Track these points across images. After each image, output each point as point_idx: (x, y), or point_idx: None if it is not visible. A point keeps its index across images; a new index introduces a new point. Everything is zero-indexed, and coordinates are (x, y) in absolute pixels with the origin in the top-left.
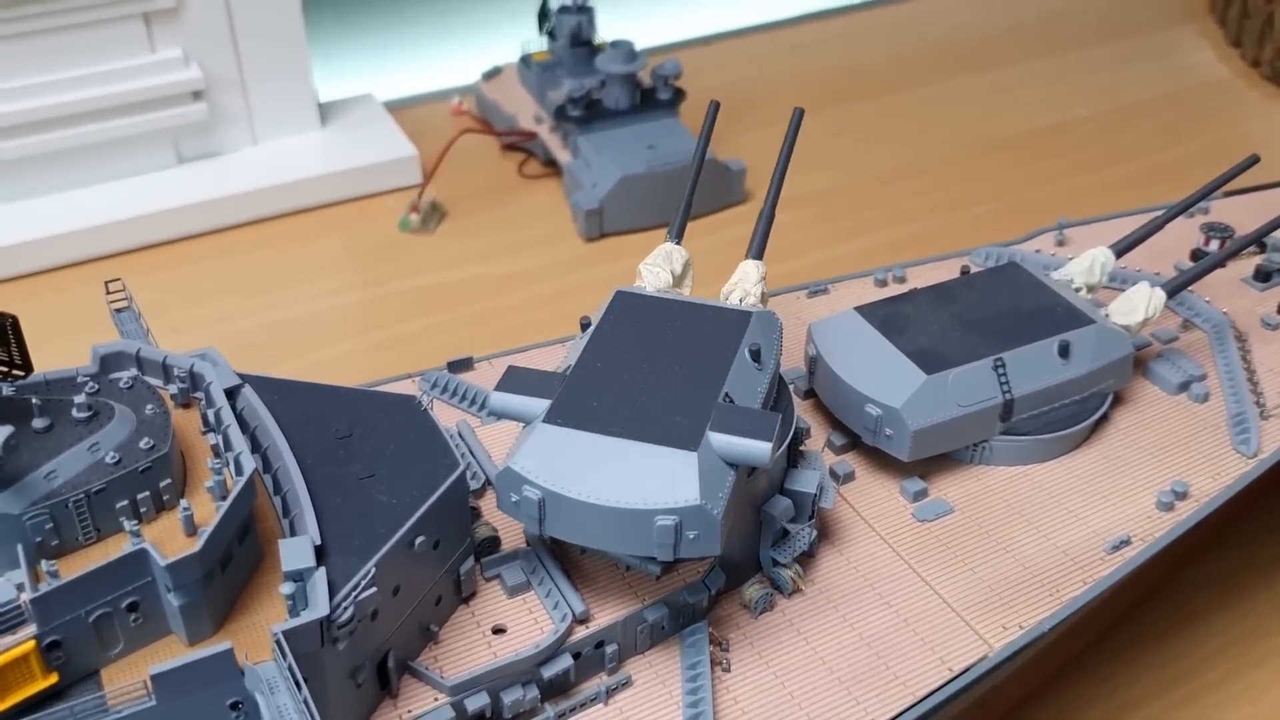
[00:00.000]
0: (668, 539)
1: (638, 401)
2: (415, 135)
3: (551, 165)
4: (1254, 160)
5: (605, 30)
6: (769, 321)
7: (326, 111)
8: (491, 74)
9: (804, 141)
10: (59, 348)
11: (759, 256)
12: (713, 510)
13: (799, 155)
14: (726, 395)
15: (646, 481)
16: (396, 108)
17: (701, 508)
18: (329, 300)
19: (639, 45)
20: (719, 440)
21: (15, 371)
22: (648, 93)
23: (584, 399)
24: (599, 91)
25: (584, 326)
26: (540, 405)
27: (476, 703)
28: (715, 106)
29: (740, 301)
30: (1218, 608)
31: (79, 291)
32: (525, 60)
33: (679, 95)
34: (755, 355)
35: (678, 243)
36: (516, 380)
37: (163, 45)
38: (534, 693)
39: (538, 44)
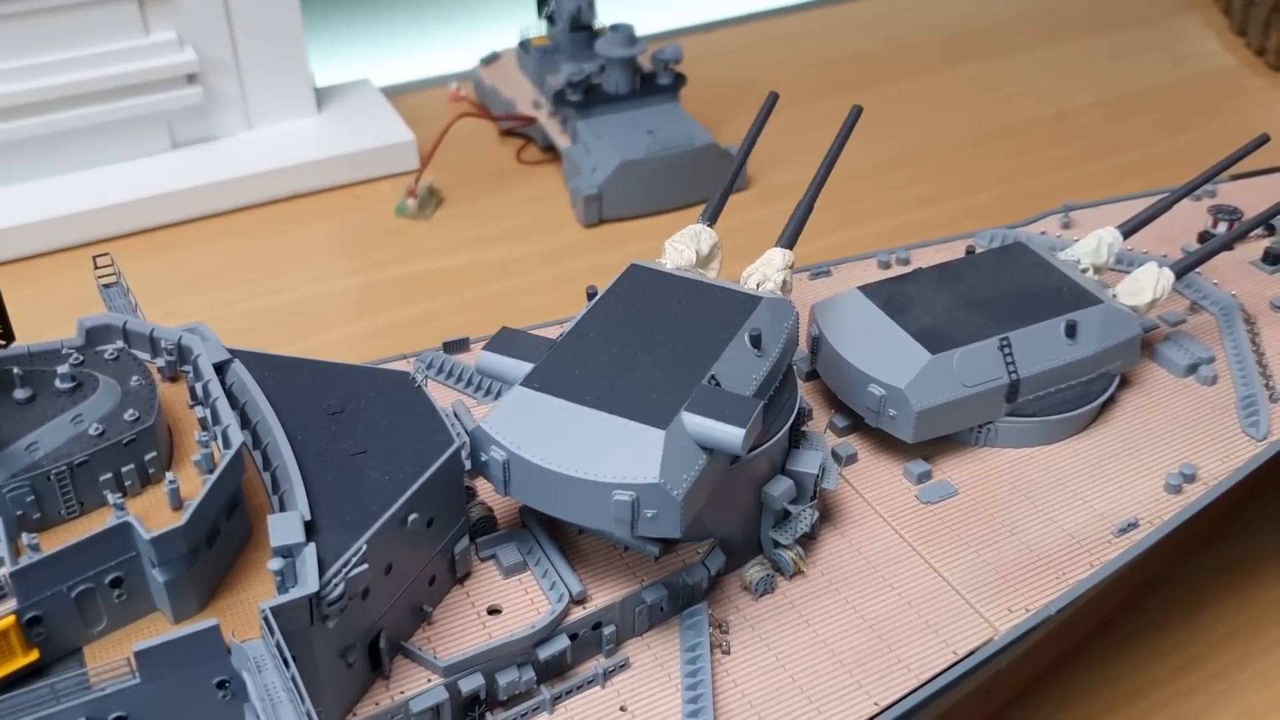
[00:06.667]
0: (625, 515)
1: (621, 375)
2: (413, 121)
3: (550, 151)
4: (1264, 140)
5: (605, 15)
6: (781, 309)
7: (323, 96)
8: (490, 59)
9: (805, 129)
10: (51, 333)
11: (789, 246)
12: (672, 490)
13: (799, 143)
14: (713, 378)
15: (610, 455)
16: (394, 93)
17: (660, 486)
18: (325, 285)
19: (639, 33)
20: (692, 422)
21: None
22: (648, 77)
23: (568, 367)
24: (598, 76)
25: (590, 297)
26: (525, 368)
27: (471, 684)
28: (773, 99)
29: (758, 286)
30: (1224, 595)
31: (71, 276)
32: (524, 45)
33: (679, 80)
34: (755, 341)
35: (710, 225)
36: (507, 341)
37: (157, 28)
38: (530, 674)
39: (536, 29)
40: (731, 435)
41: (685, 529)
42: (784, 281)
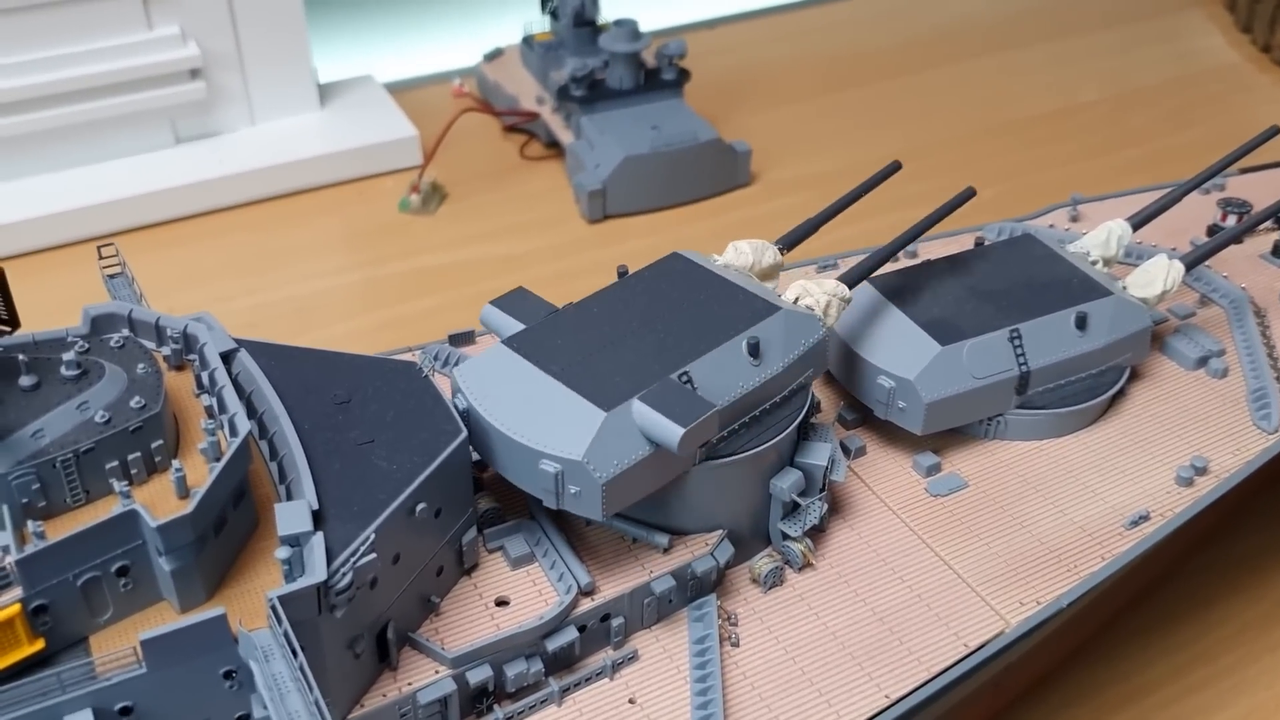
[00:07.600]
0: (550, 485)
1: (599, 353)
2: (416, 117)
3: (554, 146)
4: (1274, 131)
5: (609, 11)
6: (803, 325)
7: (326, 92)
8: (493, 55)
9: (810, 124)
10: (55, 326)
11: (849, 285)
12: (595, 472)
13: (802, 138)
14: (685, 374)
15: (550, 425)
16: (397, 89)
17: (581, 465)
18: (328, 281)
19: (643, 28)
20: (640, 411)
21: (1, 326)
22: (652, 73)
23: (554, 335)
24: (602, 71)
25: (620, 275)
26: (516, 328)
27: (478, 675)
28: (895, 166)
29: (795, 300)
30: (1232, 591)
31: (75, 271)
32: (528, 41)
33: (683, 76)
34: (753, 349)
35: (782, 251)
36: (515, 301)
37: (160, 22)
38: (538, 666)
39: (540, 24)
40: (670, 432)
41: (610, 514)
42: (828, 304)
